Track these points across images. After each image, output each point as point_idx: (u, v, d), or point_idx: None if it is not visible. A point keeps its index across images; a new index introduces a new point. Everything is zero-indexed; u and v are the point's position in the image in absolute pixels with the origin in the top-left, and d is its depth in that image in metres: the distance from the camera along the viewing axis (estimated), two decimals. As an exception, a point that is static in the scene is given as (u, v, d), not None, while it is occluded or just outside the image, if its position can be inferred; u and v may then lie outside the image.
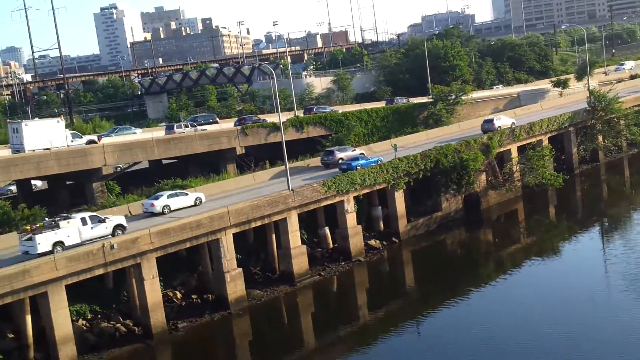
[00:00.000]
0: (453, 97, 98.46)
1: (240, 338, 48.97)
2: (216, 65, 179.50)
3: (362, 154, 69.48)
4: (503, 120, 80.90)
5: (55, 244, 44.43)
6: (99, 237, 46.71)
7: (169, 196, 55.39)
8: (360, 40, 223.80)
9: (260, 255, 58.09)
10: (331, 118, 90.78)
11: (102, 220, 47.33)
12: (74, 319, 45.62)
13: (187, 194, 56.82)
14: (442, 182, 69.58)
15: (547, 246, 62.53)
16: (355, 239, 60.93)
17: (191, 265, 54.29)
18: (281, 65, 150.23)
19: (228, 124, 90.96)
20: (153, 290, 47.16)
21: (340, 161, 66.82)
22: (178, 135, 79.01)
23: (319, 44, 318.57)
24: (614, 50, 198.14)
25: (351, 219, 61.18)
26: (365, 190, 63.23)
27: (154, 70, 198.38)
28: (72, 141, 71.96)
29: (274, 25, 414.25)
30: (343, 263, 59.35)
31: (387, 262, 61.70)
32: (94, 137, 78.93)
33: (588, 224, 68.83)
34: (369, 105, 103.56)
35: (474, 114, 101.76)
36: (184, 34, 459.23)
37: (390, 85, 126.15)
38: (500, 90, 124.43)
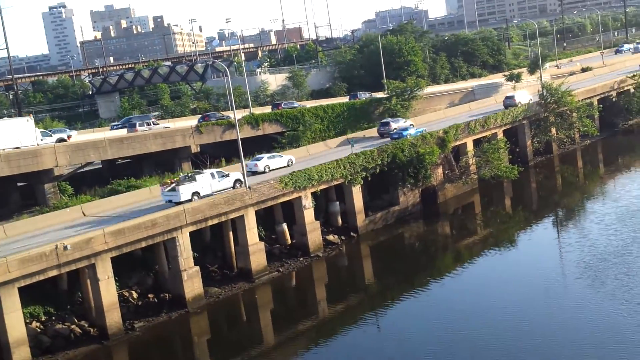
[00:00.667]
0: (408, 92, 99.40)
1: (198, 336, 48.76)
2: (169, 63, 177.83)
3: (411, 125, 79.85)
4: (522, 96, 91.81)
5: (193, 194, 54.08)
6: (224, 189, 56.30)
7: (269, 157, 67.34)
8: (314, 37, 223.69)
9: (217, 253, 57.91)
10: (287, 115, 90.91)
11: (226, 175, 57.43)
12: (27, 321, 44.93)
13: (282, 156, 68.53)
14: (399, 176, 70.24)
15: (504, 237, 63.62)
16: (314, 234, 61.16)
17: (147, 265, 53.87)
18: (235, 63, 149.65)
19: (183, 123, 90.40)
20: (108, 290, 46.69)
21: (394, 130, 76.34)
22: (132, 135, 78.31)
23: (273, 41, 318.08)
24: (565, 44, 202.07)
25: (309, 214, 61.42)
26: (323, 186, 63.56)
27: (105, 69, 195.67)
28: (41, 140, 71.01)
29: (226, 22, 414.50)
30: (301, 259, 59.53)
31: (346, 256, 62.08)
32: (64, 135, 77.66)
33: (543, 215, 70.24)
34: (324, 102, 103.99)
35: (430, 109, 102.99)
36: (135, 32, 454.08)
37: (346, 81, 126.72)
38: (454, 84, 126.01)
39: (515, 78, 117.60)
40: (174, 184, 54.45)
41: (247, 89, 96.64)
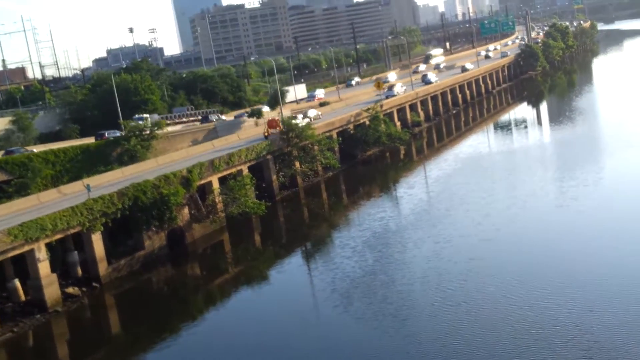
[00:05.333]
0: (148, 132, 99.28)
1: None
2: None
3: None
4: (398, 88, 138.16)
5: None
6: None
7: None
8: (40, 77, 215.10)
9: (-64, 319, 53.40)
10: (12, 161, 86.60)
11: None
12: None
13: None
14: (143, 219, 69.65)
15: (255, 273, 65.66)
16: (50, 288, 58.65)
17: None
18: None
19: None
20: None
21: None
22: None
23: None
24: (302, 80, 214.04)
25: (44, 267, 58.84)
26: (58, 236, 61.31)
27: None
28: None
29: None
30: (39, 316, 56.75)
31: (89, 309, 60.31)
32: None
33: (292, 247, 73.55)
34: (55, 146, 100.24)
35: (172, 148, 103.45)
36: None
37: (78, 122, 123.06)
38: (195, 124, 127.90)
39: (257, 114, 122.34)
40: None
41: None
